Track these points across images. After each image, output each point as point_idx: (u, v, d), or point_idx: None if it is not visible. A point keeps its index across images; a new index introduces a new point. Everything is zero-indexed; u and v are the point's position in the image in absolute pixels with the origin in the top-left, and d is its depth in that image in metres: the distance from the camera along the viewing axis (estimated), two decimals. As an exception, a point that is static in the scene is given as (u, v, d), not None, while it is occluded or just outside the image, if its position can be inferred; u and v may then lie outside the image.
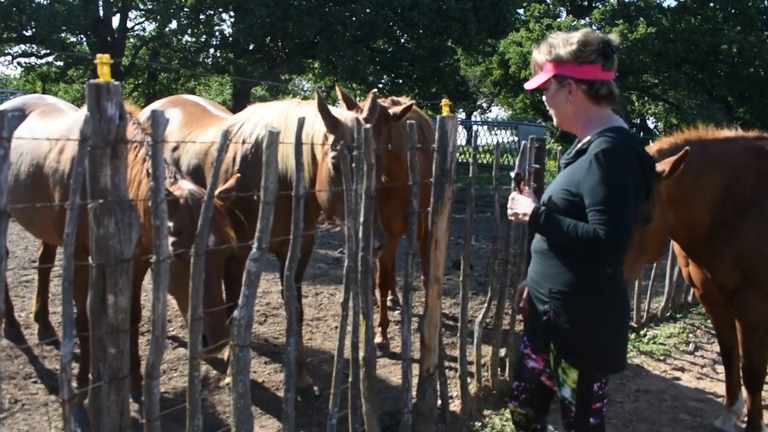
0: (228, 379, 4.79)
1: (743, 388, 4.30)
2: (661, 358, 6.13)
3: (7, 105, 5.20)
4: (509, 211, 2.95)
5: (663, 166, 3.48)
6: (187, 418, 2.74)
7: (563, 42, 2.75)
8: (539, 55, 2.83)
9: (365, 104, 4.54)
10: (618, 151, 2.59)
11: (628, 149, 2.62)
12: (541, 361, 2.97)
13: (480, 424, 4.49)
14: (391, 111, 4.88)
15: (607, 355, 2.77)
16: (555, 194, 2.78)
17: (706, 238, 3.99)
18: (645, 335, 6.68)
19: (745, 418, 4.31)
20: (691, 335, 6.78)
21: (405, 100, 5.28)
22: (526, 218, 2.80)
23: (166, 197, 3.30)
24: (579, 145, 2.80)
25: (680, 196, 3.82)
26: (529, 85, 2.86)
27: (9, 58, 24.80)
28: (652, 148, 3.95)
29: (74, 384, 2.94)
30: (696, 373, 5.81)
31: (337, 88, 5.30)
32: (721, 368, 5.44)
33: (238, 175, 3.87)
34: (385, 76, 26.36)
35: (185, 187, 3.61)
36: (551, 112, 2.86)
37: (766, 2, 33.44)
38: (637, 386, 5.41)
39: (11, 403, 4.47)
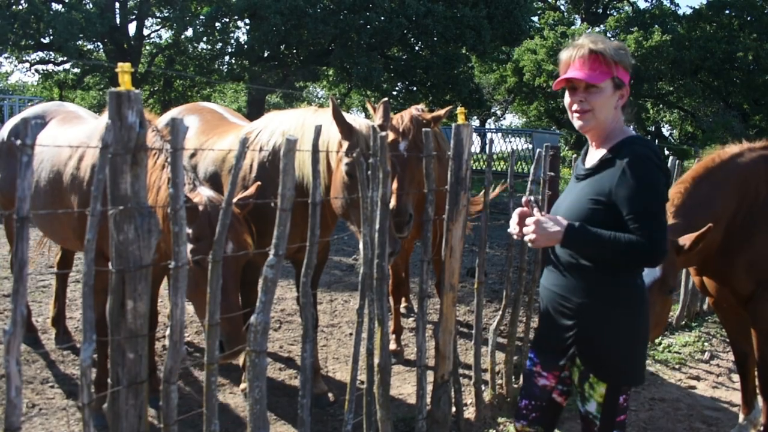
0: (244, 385, 4.81)
1: (759, 397, 4.28)
2: (677, 366, 6.10)
3: (29, 112, 5.27)
4: (529, 235, 2.66)
5: (684, 240, 3.47)
6: (203, 423, 2.76)
7: (619, 46, 2.70)
8: (608, 49, 2.65)
9: (377, 113, 4.58)
10: (653, 158, 2.58)
11: (658, 157, 2.61)
12: (552, 378, 2.90)
13: (494, 431, 4.49)
14: (429, 116, 5.05)
15: (636, 367, 2.77)
16: (579, 205, 2.68)
17: (718, 252, 3.99)
18: (660, 344, 6.64)
19: (761, 428, 4.29)
20: (706, 344, 6.73)
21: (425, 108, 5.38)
22: (558, 236, 2.59)
23: (186, 204, 3.35)
24: (602, 154, 2.71)
25: None
26: (594, 79, 2.62)
27: (27, 65, 25.11)
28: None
29: (92, 389, 2.98)
30: (712, 381, 5.77)
31: (368, 104, 5.40)
32: (737, 377, 5.40)
33: (259, 183, 3.90)
34: (399, 84, 26.43)
35: (204, 194, 3.64)
36: (585, 113, 2.67)
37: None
38: (652, 395, 5.39)
39: (29, 407, 4.51)
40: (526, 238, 2.69)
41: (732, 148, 4.19)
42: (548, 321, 2.85)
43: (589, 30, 31.88)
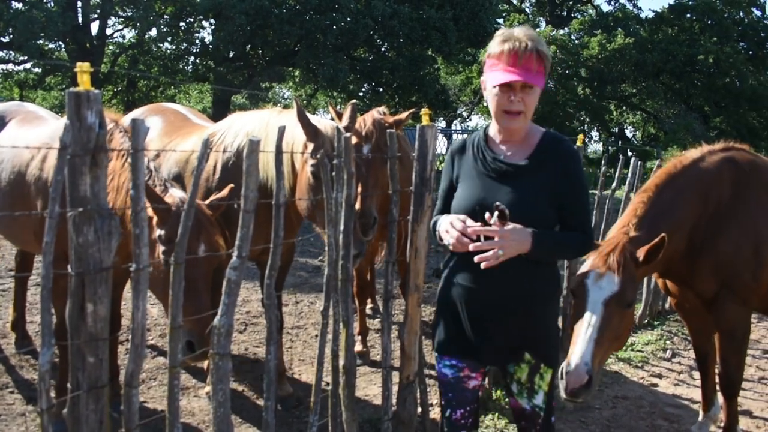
0: (208, 388, 4.77)
1: (719, 394, 4.35)
2: (639, 364, 6.18)
3: None
4: (498, 250, 2.46)
5: (640, 254, 3.39)
6: (166, 427, 2.74)
7: (540, 37, 2.65)
8: (544, 47, 2.59)
9: (345, 113, 4.58)
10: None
11: None
12: (480, 376, 2.85)
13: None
14: (392, 119, 5.03)
15: None
16: (522, 204, 2.58)
17: (682, 256, 3.98)
18: (623, 342, 6.73)
19: (722, 424, 4.37)
20: (668, 342, 6.85)
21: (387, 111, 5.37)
22: (527, 246, 2.50)
23: (159, 206, 3.32)
24: (528, 152, 2.67)
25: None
26: (537, 81, 2.55)
27: (-15, 64, 24.60)
28: (629, 217, 3.83)
29: (52, 393, 2.92)
30: (673, 379, 5.87)
31: (330, 108, 5.37)
32: (697, 374, 5.48)
33: (231, 185, 3.85)
34: (365, 85, 26.42)
35: (176, 195, 3.62)
36: (519, 114, 2.59)
37: (741, 14, 33.93)
38: (615, 393, 5.46)
39: (-13, 413, 4.43)
40: (491, 253, 2.46)
41: (693, 153, 4.20)
42: (482, 325, 2.72)
43: (554, 32, 32.22)
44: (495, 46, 2.63)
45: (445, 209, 2.82)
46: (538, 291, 2.71)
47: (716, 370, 4.31)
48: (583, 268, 3.40)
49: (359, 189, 4.51)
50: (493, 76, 2.59)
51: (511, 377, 2.80)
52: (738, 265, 3.95)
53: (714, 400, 4.56)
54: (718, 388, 4.33)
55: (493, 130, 2.74)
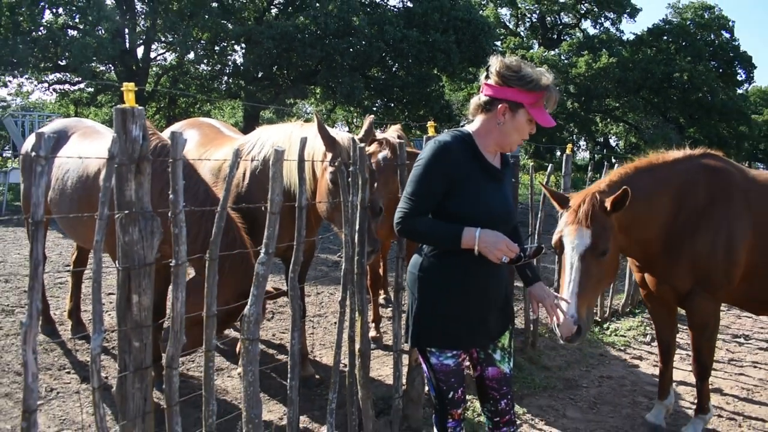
0: (239, 369, 4.78)
1: (674, 384, 4.25)
2: (622, 348, 6.14)
3: (51, 127, 5.14)
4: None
5: (606, 202, 3.39)
6: (203, 403, 2.74)
7: None
8: None
9: (363, 127, 4.58)
10: None
11: None
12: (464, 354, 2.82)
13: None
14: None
15: None
16: (511, 205, 2.76)
17: (661, 252, 3.90)
18: (608, 328, 6.70)
19: (693, 402, 4.32)
20: (648, 328, 6.79)
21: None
22: None
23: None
24: (498, 161, 2.75)
25: (633, 221, 3.70)
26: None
27: (45, 84, 24.73)
28: (602, 182, 3.85)
29: (103, 374, 2.94)
30: (652, 361, 5.82)
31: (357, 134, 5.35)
32: (675, 356, 5.46)
33: None
34: (378, 101, 26.35)
35: None
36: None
37: (712, 36, 33.71)
38: (600, 373, 5.43)
39: (47, 391, 4.45)
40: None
41: (675, 153, 4.08)
42: (489, 311, 2.72)
43: (546, 53, 32.08)
44: (536, 84, 2.57)
45: (428, 211, 2.65)
46: (507, 267, 2.76)
47: (675, 358, 4.21)
48: (559, 226, 3.43)
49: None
50: (544, 118, 2.62)
51: (494, 347, 2.80)
52: (712, 265, 3.85)
53: (670, 390, 4.42)
54: (692, 373, 4.23)
55: (481, 142, 2.67)
